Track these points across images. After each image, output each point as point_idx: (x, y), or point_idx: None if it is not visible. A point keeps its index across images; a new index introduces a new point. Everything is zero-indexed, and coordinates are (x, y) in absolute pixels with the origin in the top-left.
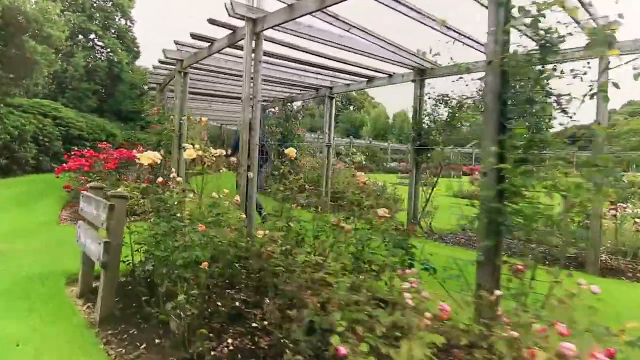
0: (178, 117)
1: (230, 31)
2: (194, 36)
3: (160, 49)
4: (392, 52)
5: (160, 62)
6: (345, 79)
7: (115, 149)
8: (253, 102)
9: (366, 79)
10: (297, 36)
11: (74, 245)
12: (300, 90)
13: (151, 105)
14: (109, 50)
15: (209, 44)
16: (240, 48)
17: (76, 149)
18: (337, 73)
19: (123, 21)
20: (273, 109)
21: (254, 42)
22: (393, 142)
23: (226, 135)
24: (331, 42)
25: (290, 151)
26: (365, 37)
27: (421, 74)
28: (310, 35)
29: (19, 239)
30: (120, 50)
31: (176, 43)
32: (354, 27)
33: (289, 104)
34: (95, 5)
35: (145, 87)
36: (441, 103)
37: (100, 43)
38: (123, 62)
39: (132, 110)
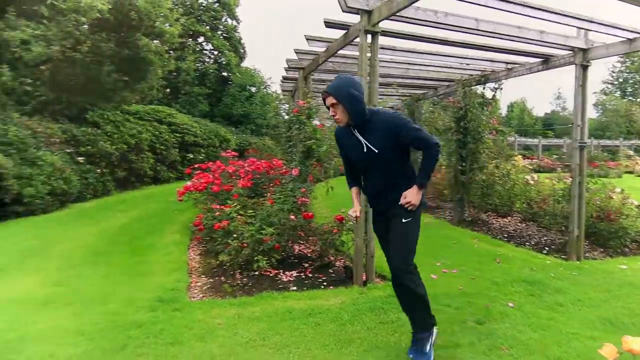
0: None
1: None
2: None
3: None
4: None
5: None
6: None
7: (239, 158)
8: None
9: None
10: None
11: None
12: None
13: (275, 106)
14: (217, 52)
15: None
16: None
17: (191, 156)
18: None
19: (229, 21)
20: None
21: None
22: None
23: None
24: None
25: None
26: None
27: None
28: None
29: None
30: (228, 52)
31: None
32: None
33: (481, 85)
34: (203, 5)
35: (253, 90)
36: None
37: (208, 46)
38: (232, 63)
39: (242, 114)
